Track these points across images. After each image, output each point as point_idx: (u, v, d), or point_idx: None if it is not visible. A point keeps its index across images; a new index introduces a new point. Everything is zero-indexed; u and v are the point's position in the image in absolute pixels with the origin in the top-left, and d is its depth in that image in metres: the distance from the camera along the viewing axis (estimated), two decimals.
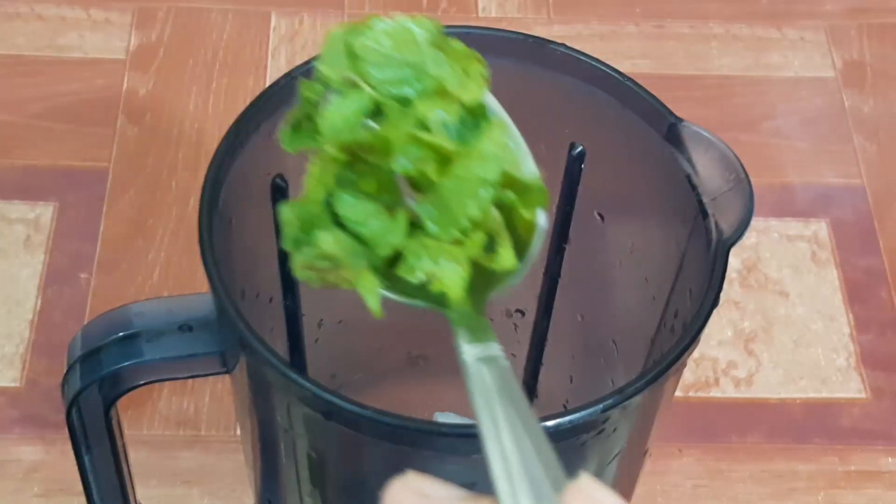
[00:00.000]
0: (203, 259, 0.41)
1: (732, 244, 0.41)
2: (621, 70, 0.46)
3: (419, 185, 0.33)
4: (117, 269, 0.67)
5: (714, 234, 0.42)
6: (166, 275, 0.66)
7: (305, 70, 0.45)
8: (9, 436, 0.61)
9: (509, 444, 0.27)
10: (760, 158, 0.72)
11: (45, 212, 0.69)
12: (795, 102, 0.76)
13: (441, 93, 0.34)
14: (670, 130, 0.44)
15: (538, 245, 0.35)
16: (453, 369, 0.62)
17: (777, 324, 0.67)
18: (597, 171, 0.48)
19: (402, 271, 0.33)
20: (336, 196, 0.33)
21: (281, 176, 0.47)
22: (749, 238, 0.42)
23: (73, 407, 0.44)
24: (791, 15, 0.80)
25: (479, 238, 0.33)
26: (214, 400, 0.62)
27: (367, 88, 0.34)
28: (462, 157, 0.33)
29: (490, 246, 0.34)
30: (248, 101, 0.45)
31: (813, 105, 0.76)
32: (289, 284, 0.51)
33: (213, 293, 0.40)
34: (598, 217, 0.50)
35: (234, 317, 0.40)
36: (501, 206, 0.34)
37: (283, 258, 0.50)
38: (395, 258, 0.33)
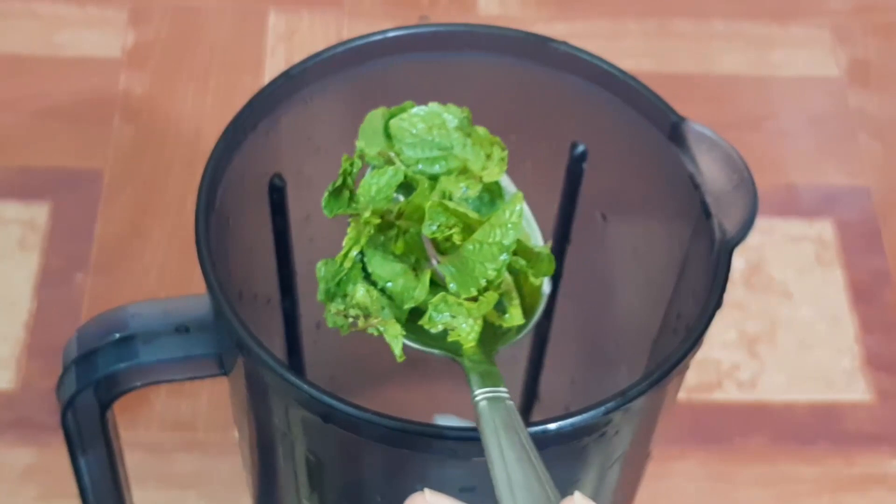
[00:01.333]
0: (200, 260, 0.41)
1: (736, 244, 0.41)
2: (624, 68, 0.46)
3: (443, 248, 0.38)
4: (113, 270, 0.66)
5: (717, 235, 0.42)
6: (163, 276, 0.66)
7: (302, 69, 0.45)
8: (3, 439, 0.61)
9: (513, 468, 0.32)
10: (764, 158, 0.72)
11: (40, 212, 0.68)
12: (800, 101, 0.76)
13: (465, 172, 0.40)
14: (673, 129, 0.44)
15: (542, 307, 0.39)
16: (453, 372, 0.62)
17: (781, 325, 0.67)
18: (599, 171, 0.48)
19: (424, 322, 0.38)
20: (368, 256, 0.38)
21: (279, 175, 0.47)
22: (753, 238, 0.42)
23: (69, 410, 0.44)
24: (796, 13, 0.80)
25: (492, 297, 0.38)
26: (211, 402, 0.62)
27: (400, 164, 0.39)
28: (483, 225, 0.37)
29: (501, 305, 0.39)
30: (245, 100, 0.44)
31: (818, 104, 0.76)
32: (287, 285, 0.51)
33: (210, 294, 0.40)
34: (600, 217, 0.50)
35: (232, 318, 0.39)
36: (512, 271, 0.39)
37: (282, 259, 0.50)
38: (418, 310, 0.38)
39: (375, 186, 0.39)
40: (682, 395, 0.49)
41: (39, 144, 0.71)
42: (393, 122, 0.40)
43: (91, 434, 0.46)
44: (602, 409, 0.38)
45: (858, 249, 0.69)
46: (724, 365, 0.65)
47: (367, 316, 0.38)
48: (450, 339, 0.38)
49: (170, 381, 0.44)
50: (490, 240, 0.37)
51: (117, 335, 0.43)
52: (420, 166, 0.40)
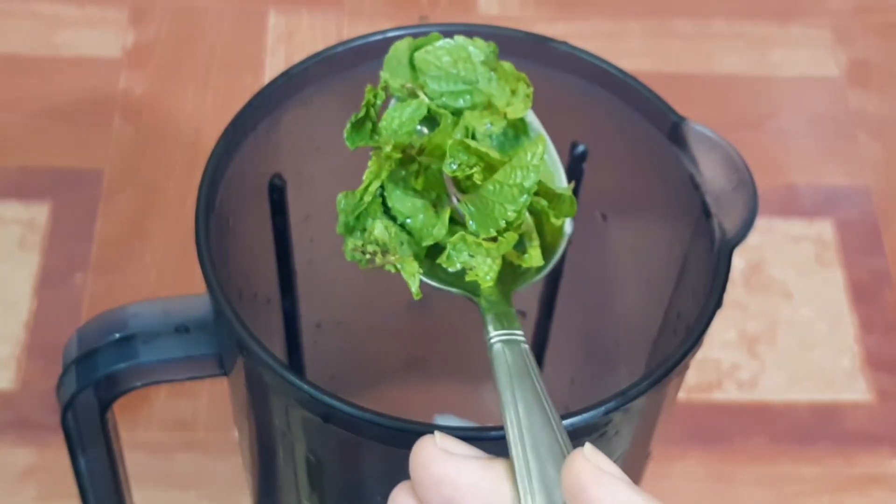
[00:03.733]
0: (200, 260, 0.41)
1: (736, 245, 0.41)
2: (624, 68, 0.46)
3: (463, 186, 0.38)
4: (113, 270, 0.66)
5: (717, 235, 0.42)
6: (163, 275, 0.66)
7: (302, 69, 0.45)
8: (3, 439, 0.61)
9: (523, 413, 0.32)
10: (764, 158, 0.72)
11: (40, 212, 0.68)
12: (800, 101, 0.76)
13: (489, 107, 0.39)
14: (673, 130, 0.44)
15: (562, 248, 0.39)
16: (453, 371, 0.62)
17: (781, 325, 0.66)
18: (599, 171, 0.48)
19: (442, 261, 0.37)
20: (389, 190, 0.38)
21: (279, 175, 0.47)
22: (753, 238, 0.42)
23: (69, 410, 0.44)
24: (796, 13, 0.80)
25: (511, 237, 0.37)
26: (212, 402, 0.62)
27: (424, 97, 0.39)
28: (505, 166, 0.37)
29: (521, 245, 0.38)
30: (245, 100, 0.44)
31: (818, 104, 0.76)
32: (287, 285, 0.51)
33: (210, 294, 0.40)
34: (600, 217, 0.50)
35: (232, 318, 0.39)
36: (534, 211, 0.38)
37: (282, 259, 0.50)
38: (436, 248, 0.38)
39: (398, 119, 0.38)
40: (682, 395, 0.49)
41: (39, 144, 0.71)
42: (418, 54, 0.39)
43: (91, 434, 0.46)
44: (602, 409, 0.38)
45: (858, 249, 0.69)
46: (724, 365, 0.65)
47: (384, 252, 0.37)
48: (468, 278, 0.37)
49: (170, 381, 0.44)
50: (511, 181, 0.37)
51: (117, 335, 0.43)
52: (444, 100, 0.39)
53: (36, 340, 0.64)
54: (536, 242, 0.38)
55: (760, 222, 0.41)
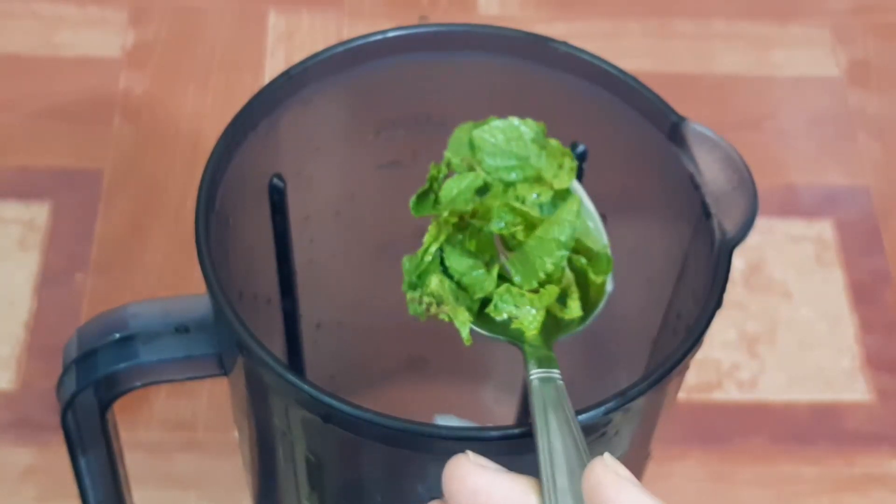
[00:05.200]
0: (200, 260, 0.41)
1: (736, 245, 0.41)
2: (624, 68, 0.46)
3: (510, 244, 0.42)
4: (113, 270, 0.66)
5: (717, 235, 0.42)
6: (163, 275, 0.66)
7: (302, 69, 0.45)
8: (3, 439, 0.61)
9: (554, 437, 0.36)
10: (764, 158, 0.72)
11: (40, 212, 0.68)
12: (800, 101, 0.76)
13: (538, 180, 0.43)
14: (673, 129, 0.44)
15: (603, 304, 0.43)
16: (453, 371, 0.62)
17: (781, 325, 0.66)
18: (599, 171, 0.48)
19: (490, 311, 0.41)
20: (446, 251, 0.42)
21: (279, 175, 0.47)
22: (753, 238, 0.42)
23: (69, 410, 0.44)
24: (795, 13, 0.80)
25: (552, 290, 0.41)
26: (212, 402, 0.62)
27: (481, 171, 0.43)
28: (543, 223, 0.41)
29: (563, 298, 0.42)
30: (245, 100, 0.44)
31: (817, 104, 0.76)
32: (287, 286, 0.51)
33: (210, 294, 0.40)
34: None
35: (232, 318, 0.39)
36: (575, 269, 0.42)
37: (282, 259, 0.50)
38: (486, 301, 0.42)
39: (456, 189, 0.43)
40: (682, 395, 0.49)
41: (39, 144, 0.71)
42: (475, 132, 0.43)
43: (91, 434, 0.46)
44: (602, 409, 0.38)
45: (858, 249, 0.69)
46: (724, 365, 0.65)
47: (439, 303, 0.41)
48: (513, 326, 0.41)
49: (170, 381, 0.44)
50: (549, 235, 0.41)
51: (117, 335, 0.43)
52: (499, 173, 0.43)
53: (36, 340, 0.64)
54: (576, 296, 0.42)
55: (760, 222, 0.41)
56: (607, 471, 0.33)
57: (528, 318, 0.41)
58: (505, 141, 0.43)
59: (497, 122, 0.43)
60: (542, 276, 0.41)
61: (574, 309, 0.42)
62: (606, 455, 0.34)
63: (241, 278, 0.46)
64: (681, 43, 0.78)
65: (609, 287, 0.43)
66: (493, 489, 0.34)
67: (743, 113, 0.75)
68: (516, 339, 0.41)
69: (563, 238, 0.41)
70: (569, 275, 0.42)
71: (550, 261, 0.41)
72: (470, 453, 0.35)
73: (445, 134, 0.49)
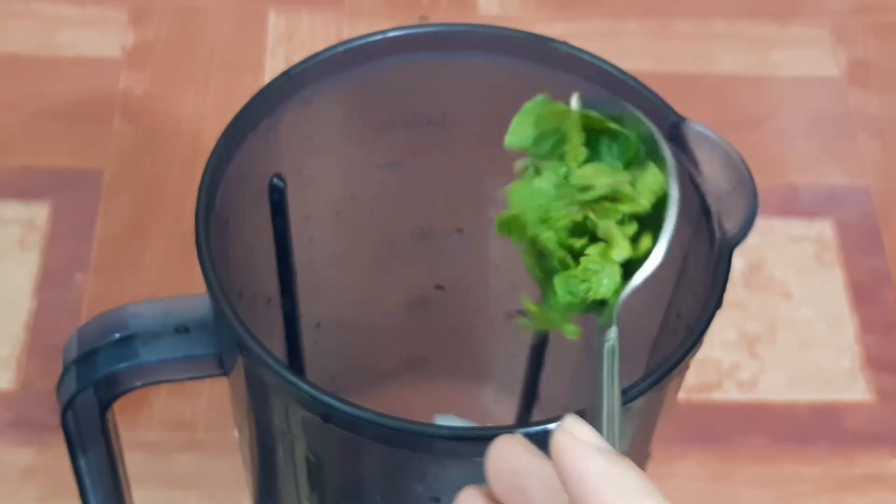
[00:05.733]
0: (200, 260, 0.41)
1: (736, 245, 0.41)
2: (623, 68, 0.46)
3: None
4: (113, 270, 0.66)
5: (717, 235, 0.42)
6: (163, 275, 0.66)
7: (302, 69, 0.45)
8: (3, 439, 0.61)
9: (615, 393, 0.36)
10: (764, 158, 0.72)
11: (40, 212, 0.68)
12: (800, 101, 0.76)
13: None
14: (673, 129, 0.44)
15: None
16: (453, 371, 0.62)
17: (781, 325, 0.66)
18: None
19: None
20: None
21: (279, 175, 0.47)
22: (753, 238, 0.41)
23: (69, 410, 0.44)
24: (795, 13, 0.80)
25: (631, 227, 0.39)
26: (212, 402, 0.62)
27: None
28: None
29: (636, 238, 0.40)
30: (245, 100, 0.44)
31: (817, 104, 0.76)
32: (287, 286, 0.51)
33: (210, 294, 0.40)
34: None
35: (232, 318, 0.39)
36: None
37: (282, 259, 0.50)
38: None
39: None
40: (682, 395, 0.49)
41: (39, 144, 0.71)
42: None
43: (91, 434, 0.46)
44: None
45: (858, 249, 0.69)
46: (724, 365, 0.65)
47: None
48: (590, 297, 0.40)
49: (170, 381, 0.44)
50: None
51: (117, 335, 0.43)
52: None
53: (36, 340, 0.64)
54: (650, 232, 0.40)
55: (760, 222, 0.41)
56: (566, 435, 0.32)
57: (608, 286, 0.39)
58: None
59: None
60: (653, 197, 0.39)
61: (646, 243, 0.39)
62: (568, 417, 0.33)
63: (241, 278, 0.46)
64: (681, 43, 0.78)
65: (675, 193, 0.40)
66: (532, 471, 0.34)
67: (743, 113, 0.75)
68: (593, 309, 0.40)
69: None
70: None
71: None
72: (518, 435, 0.35)
73: (445, 134, 0.49)
